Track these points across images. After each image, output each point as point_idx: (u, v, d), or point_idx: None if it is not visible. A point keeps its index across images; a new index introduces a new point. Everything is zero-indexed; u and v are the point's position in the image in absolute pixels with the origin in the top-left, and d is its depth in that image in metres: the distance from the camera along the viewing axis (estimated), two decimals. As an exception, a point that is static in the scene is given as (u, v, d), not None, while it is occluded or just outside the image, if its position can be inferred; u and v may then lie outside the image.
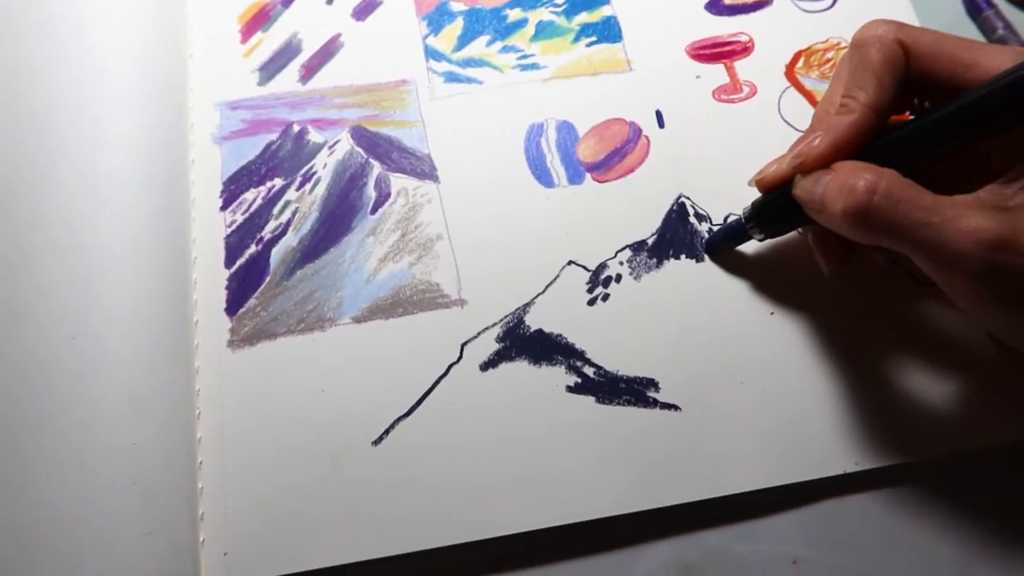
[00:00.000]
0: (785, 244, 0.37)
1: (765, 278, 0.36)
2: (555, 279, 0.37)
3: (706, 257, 0.37)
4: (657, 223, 0.38)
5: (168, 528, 0.31)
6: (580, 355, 0.35)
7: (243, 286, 0.37)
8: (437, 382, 0.34)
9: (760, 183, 0.33)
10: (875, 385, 0.34)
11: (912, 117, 0.32)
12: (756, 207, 0.34)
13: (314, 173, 0.39)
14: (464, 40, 0.43)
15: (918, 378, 0.35)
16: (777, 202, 0.33)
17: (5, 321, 0.33)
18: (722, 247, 0.37)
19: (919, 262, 0.28)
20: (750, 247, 0.37)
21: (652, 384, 0.35)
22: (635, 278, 0.37)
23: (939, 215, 0.26)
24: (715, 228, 0.38)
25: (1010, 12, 0.43)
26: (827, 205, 0.29)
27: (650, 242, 0.37)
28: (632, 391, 0.34)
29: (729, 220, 0.38)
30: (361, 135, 0.40)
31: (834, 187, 0.29)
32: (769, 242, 0.36)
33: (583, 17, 0.43)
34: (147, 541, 0.30)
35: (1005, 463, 0.34)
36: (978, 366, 0.35)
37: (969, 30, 0.44)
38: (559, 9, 0.44)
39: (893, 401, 0.34)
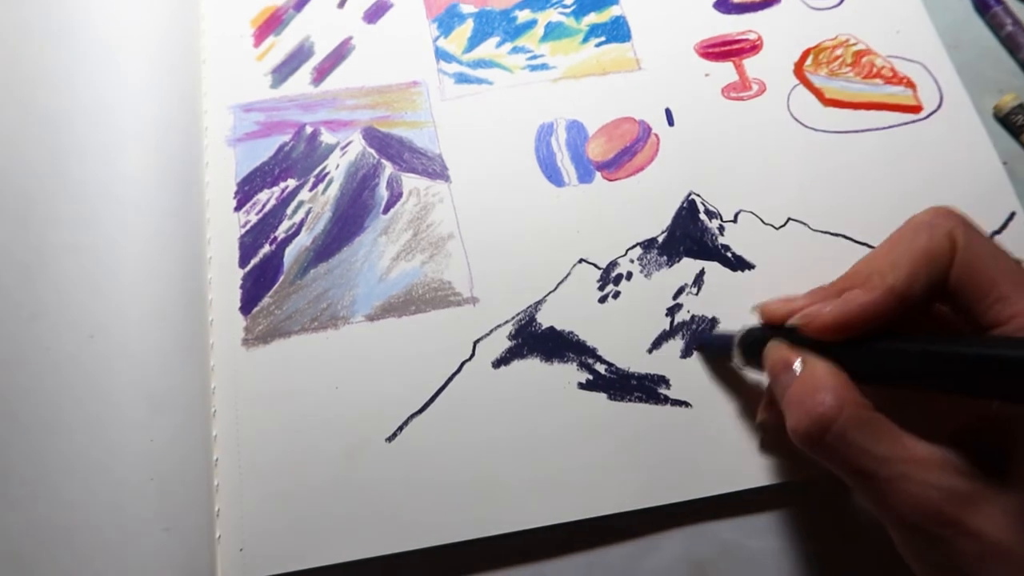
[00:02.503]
0: (789, 245, 0.37)
1: (773, 274, 0.37)
2: (566, 277, 0.37)
3: (714, 257, 0.37)
4: (667, 221, 0.38)
5: (185, 524, 0.31)
6: (591, 352, 0.35)
7: (257, 285, 0.37)
8: (450, 379, 0.35)
9: (762, 312, 0.30)
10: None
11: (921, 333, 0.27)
12: (744, 336, 0.32)
13: (327, 174, 0.40)
14: (474, 42, 0.43)
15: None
16: (761, 341, 0.30)
17: (23, 320, 0.33)
18: (709, 352, 0.35)
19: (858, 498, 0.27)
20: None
21: (663, 381, 0.35)
22: (646, 275, 0.37)
23: (888, 469, 0.24)
24: (712, 332, 0.36)
25: (1019, 9, 0.43)
26: (782, 403, 0.27)
27: (660, 240, 0.38)
28: (643, 388, 0.35)
29: (722, 330, 0.36)
30: (373, 136, 0.40)
31: (793, 395, 0.26)
32: (776, 236, 0.36)
33: (592, 18, 0.44)
34: (164, 537, 0.31)
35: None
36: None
37: (977, 27, 0.43)
38: (568, 10, 0.44)
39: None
